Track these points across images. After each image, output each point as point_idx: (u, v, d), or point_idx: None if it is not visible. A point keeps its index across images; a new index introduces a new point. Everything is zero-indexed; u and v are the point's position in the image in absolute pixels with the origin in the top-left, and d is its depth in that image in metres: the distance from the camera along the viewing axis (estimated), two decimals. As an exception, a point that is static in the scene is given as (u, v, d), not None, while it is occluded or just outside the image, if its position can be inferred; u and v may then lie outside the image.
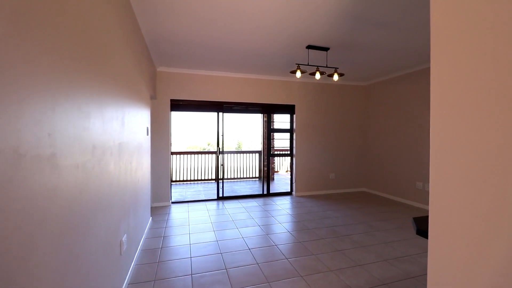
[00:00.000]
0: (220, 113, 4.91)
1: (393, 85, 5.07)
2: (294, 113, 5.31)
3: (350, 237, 3.15)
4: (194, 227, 3.48)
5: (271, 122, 5.27)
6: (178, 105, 4.69)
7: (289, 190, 5.51)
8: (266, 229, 3.43)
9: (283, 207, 4.52)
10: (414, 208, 4.39)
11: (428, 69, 4.30)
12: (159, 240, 3.04)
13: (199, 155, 7.06)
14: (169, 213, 4.10)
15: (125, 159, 2.11)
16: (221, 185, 5.00)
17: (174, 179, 6.71)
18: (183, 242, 2.98)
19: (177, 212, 4.16)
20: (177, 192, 5.61)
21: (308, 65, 3.46)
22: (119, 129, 1.92)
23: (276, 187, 6.19)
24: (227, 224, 3.61)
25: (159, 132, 4.48)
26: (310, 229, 3.43)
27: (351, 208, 4.39)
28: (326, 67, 3.55)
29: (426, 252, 2.77)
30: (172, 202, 4.73)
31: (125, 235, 2.07)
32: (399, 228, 3.44)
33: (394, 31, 2.86)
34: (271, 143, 5.30)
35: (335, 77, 3.57)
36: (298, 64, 3.35)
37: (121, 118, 1.97)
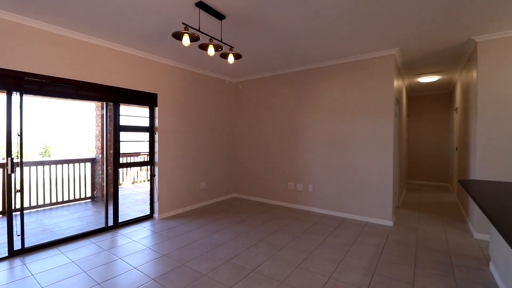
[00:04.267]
0: (16, 95, 2.62)
1: (263, 85, 4.89)
2: (156, 106, 3.88)
3: (260, 270, 2.38)
4: None
5: (119, 115, 3.53)
6: None
7: (148, 213, 3.96)
8: (134, 299, 1.95)
9: (147, 243, 3.02)
10: (289, 209, 4.35)
11: (298, 73, 4.40)
12: None
13: (-41, 171, 3.76)
14: None
15: None
16: (19, 224, 2.69)
17: None
18: None
19: None
20: None
21: (199, 31, 2.33)
22: None
23: (125, 209, 4.36)
24: (40, 318, 1.74)
25: None
26: (204, 274, 2.32)
27: (236, 223, 3.66)
28: (221, 41, 2.58)
29: (340, 265, 2.54)
30: None
31: None
32: (295, 239, 3.11)
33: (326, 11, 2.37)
34: (117, 146, 3.55)
35: (230, 58, 2.68)
36: (187, 25, 2.15)
37: None
